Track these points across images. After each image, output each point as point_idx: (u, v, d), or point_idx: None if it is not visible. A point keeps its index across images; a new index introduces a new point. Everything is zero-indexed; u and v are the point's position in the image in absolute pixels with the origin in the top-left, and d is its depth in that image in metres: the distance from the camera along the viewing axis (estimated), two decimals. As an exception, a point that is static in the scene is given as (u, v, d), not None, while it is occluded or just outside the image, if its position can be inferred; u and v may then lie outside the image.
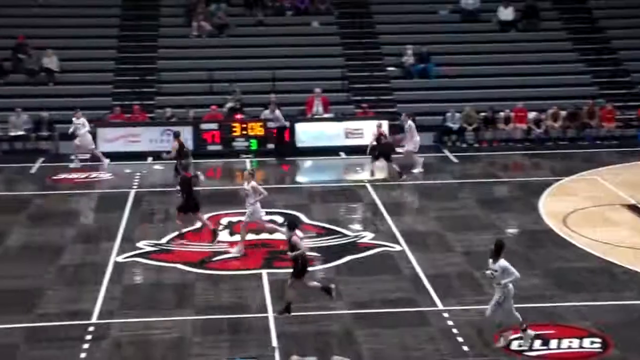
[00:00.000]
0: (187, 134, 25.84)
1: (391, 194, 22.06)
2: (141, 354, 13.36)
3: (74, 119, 24.48)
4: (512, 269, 13.05)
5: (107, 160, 24.37)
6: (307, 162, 26.08)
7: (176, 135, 21.86)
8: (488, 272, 13.23)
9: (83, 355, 13.26)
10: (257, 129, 26.02)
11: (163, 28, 31.21)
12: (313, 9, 32.28)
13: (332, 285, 14.88)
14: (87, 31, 30.60)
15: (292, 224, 15.02)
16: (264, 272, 16.42)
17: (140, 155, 25.02)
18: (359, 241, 18.41)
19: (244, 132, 26.15)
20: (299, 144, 26.41)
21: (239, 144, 25.83)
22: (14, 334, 14.02)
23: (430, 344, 13.48)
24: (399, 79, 29.88)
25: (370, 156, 23.42)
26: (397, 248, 17.89)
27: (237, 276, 16.54)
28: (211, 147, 25.86)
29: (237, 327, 14.20)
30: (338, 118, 27.25)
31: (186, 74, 29.20)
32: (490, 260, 13.17)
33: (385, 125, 24.32)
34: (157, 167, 23.90)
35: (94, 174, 23.51)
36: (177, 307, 15.15)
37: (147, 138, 25.62)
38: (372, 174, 23.38)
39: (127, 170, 23.88)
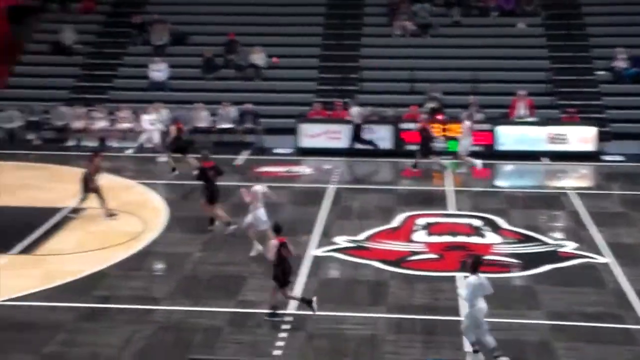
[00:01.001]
0: (385, 133, 26.02)
1: (595, 203, 21.15)
2: (334, 348, 13.52)
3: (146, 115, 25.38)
4: (469, 290, 12.52)
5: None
6: (507, 166, 25.49)
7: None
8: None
9: (280, 343, 13.60)
10: (456, 130, 25.73)
11: (366, 27, 31.52)
12: (519, 10, 31.60)
13: (314, 298, 14.44)
14: (293, 29, 31.43)
15: (277, 228, 14.63)
16: (459, 275, 16.19)
17: (339, 152, 25.37)
18: (559, 250, 17.77)
19: (444, 133, 25.96)
20: (499, 147, 25.88)
21: (438, 144, 25.63)
22: (218, 317, 14.62)
23: (635, 364, 12.82)
24: (608, 83, 28.62)
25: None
26: (601, 260, 17.11)
27: (433, 277, 16.40)
28: (409, 147, 25.82)
29: (431, 329, 14.08)
30: (542, 122, 26.45)
31: (387, 73, 29.34)
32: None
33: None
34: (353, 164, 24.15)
35: (294, 168, 24.08)
36: (371, 304, 15.22)
37: (348, 135, 25.93)
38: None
39: (327, 166, 24.28)
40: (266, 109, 27.67)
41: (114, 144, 26.43)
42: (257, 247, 17.23)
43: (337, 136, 26.16)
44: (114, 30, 31.72)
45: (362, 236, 18.62)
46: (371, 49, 30.49)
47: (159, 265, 17.38)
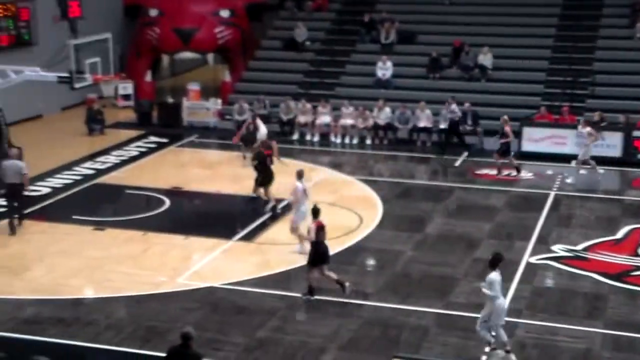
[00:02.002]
0: (616, 140, 24.75)
1: None
2: (546, 359, 13.04)
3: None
4: (497, 287, 12.78)
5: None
6: None
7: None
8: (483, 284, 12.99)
9: (487, 349, 13.29)
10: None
11: (603, 29, 30.09)
12: None
13: (347, 283, 15.13)
14: (524, 30, 30.59)
15: (315, 211, 15.64)
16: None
17: (564, 158, 24.42)
18: None
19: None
20: None
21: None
22: (426, 317, 14.56)
23: None
24: None
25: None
26: None
27: (658, 295, 15.42)
28: (643, 156, 24.42)
29: (652, 350, 13.25)
30: None
31: (623, 78, 27.86)
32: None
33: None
34: (582, 171, 23.12)
35: (515, 172, 23.46)
36: (587, 318, 14.54)
37: (573, 140, 24.90)
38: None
39: (549, 172, 23.48)
40: (488, 111, 27.15)
41: (337, 139, 26.93)
42: (305, 247, 16.73)
43: (562, 141, 25.17)
44: (343, 27, 32.36)
45: (581, 246, 17.83)
46: (607, 52, 29.05)
47: (371, 261, 17.53)
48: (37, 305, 15.00)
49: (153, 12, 31.49)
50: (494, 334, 13.11)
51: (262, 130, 23.86)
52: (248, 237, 18.52)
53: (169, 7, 31.25)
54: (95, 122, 27.94)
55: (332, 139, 27.01)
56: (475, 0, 32.01)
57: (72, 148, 25.74)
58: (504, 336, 13.11)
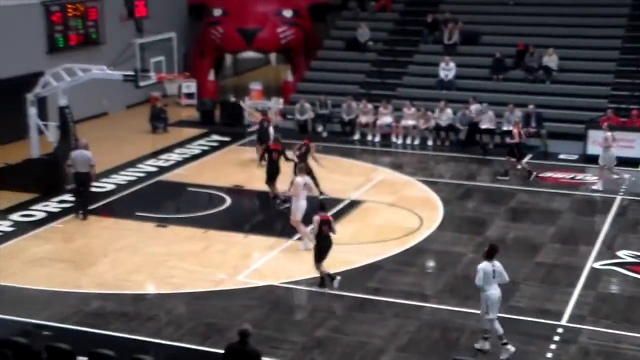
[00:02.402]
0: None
1: None
2: (609, 367, 12.83)
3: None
4: (482, 277, 12.93)
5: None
6: None
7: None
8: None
9: (549, 355, 13.13)
10: None
11: (674, 30, 29.46)
12: None
13: (339, 277, 15.52)
14: (591, 31, 30.06)
15: (322, 205, 16.32)
16: None
17: (632, 162, 23.91)
18: None
19: None
20: None
21: None
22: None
23: None
24: None
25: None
26: None
27: None
28: None
29: None
30: None
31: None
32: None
33: None
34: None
35: (580, 176, 23.08)
36: (653, 326, 14.24)
37: (642, 145, 24.39)
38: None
39: (615, 176, 23.03)
40: (553, 113, 26.74)
41: (399, 140, 26.79)
42: (308, 245, 17.14)
43: (630, 145, 24.65)
44: (406, 28, 32.20)
45: (649, 253, 17.47)
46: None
47: (431, 263, 17.42)
48: (102, 299, 15.27)
49: (217, 12, 31.78)
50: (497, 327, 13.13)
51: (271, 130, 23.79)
52: (308, 237, 18.52)
53: (234, 7, 31.51)
54: (158, 120, 28.31)
55: (394, 139, 26.89)
56: (541, 1, 31.57)
57: (136, 146, 26.12)
58: (499, 329, 13.12)
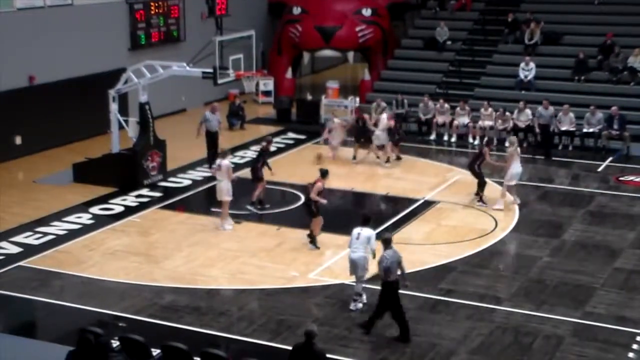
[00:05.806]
0: None
1: None
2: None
3: None
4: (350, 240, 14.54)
5: None
6: None
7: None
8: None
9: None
10: None
11: None
12: None
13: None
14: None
15: (323, 173, 17.65)
16: None
17: None
18: None
19: None
20: None
21: None
22: (562, 326, 14.14)
23: None
24: None
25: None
26: None
27: None
28: None
29: None
30: None
31: None
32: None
33: None
34: None
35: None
36: None
37: None
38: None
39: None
40: (636, 115, 26.06)
41: (475, 141, 26.44)
42: (227, 226, 18.60)
43: None
44: (486, 27, 31.80)
45: None
46: None
47: (505, 266, 17.15)
48: (175, 293, 15.48)
49: (296, 10, 31.93)
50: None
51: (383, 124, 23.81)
52: (380, 236, 18.42)
53: (313, 5, 31.60)
54: (235, 117, 28.56)
55: (470, 140, 26.57)
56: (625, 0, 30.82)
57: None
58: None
